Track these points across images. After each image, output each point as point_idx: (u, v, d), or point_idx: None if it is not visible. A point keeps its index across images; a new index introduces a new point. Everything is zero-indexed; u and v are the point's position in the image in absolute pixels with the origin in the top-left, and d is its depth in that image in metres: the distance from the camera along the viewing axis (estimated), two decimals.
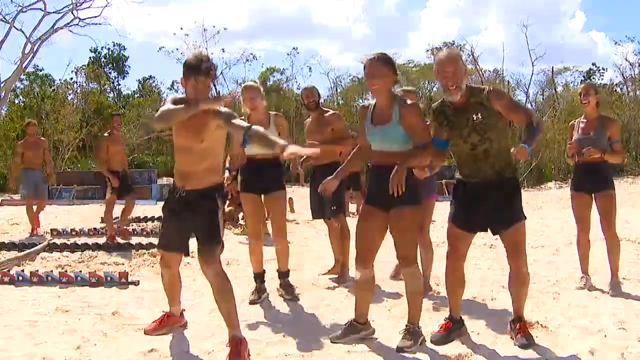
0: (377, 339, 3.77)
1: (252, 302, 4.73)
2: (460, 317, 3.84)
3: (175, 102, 3.48)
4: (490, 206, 3.52)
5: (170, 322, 3.97)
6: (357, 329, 3.78)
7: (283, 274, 5.05)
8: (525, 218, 3.58)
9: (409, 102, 3.57)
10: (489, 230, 3.65)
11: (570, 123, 5.29)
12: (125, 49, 34.49)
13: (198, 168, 3.52)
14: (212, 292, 3.55)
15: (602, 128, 4.88)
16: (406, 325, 3.66)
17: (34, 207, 9.23)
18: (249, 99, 4.81)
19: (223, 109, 3.42)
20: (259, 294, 4.84)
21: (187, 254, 3.82)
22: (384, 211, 3.60)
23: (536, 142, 3.28)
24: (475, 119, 3.43)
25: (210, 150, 3.53)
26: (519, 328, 3.62)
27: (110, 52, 33.86)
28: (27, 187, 9.33)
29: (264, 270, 4.97)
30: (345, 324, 3.84)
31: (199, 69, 3.36)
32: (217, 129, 3.46)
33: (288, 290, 4.96)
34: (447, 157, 3.95)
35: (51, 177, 10.04)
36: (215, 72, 3.47)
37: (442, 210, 5.31)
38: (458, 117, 3.50)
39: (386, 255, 4.20)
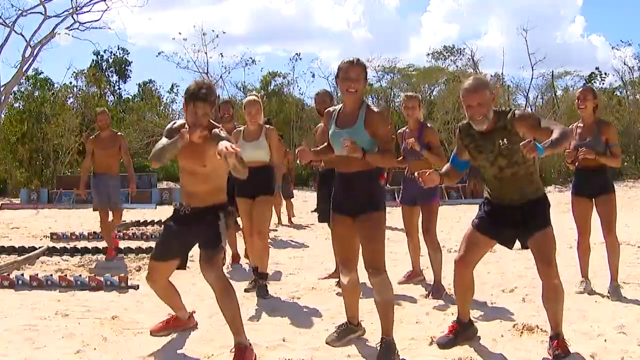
0: (377, 343, 3.77)
1: (246, 290, 5.17)
2: (470, 320, 3.85)
3: (171, 131, 3.57)
4: (518, 218, 3.48)
5: (176, 324, 4.00)
6: (352, 330, 3.86)
7: (262, 275, 5.17)
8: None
9: (376, 109, 3.52)
10: (514, 245, 3.63)
11: (569, 127, 5.24)
12: (128, 54, 34.56)
13: (202, 189, 3.60)
14: (215, 297, 3.55)
15: (598, 133, 4.85)
16: (382, 338, 3.54)
17: (109, 219, 7.15)
18: (250, 112, 5.22)
19: (222, 134, 3.43)
20: (254, 284, 5.24)
21: (184, 266, 3.83)
22: (351, 217, 3.57)
23: (554, 149, 3.09)
24: (501, 144, 3.39)
25: (213, 173, 3.60)
26: (557, 345, 3.47)
27: (114, 56, 33.87)
28: (98, 197, 7.02)
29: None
30: (340, 326, 3.87)
31: (196, 96, 3.42)
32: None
33: (261, 292, 5.08)
34: (460, 176, 3.92)
35: (131, 186, 7.42)
36: (213, 99, 3.51)
37: (444, 214, 5.32)
38: (485, 142, 3.48)
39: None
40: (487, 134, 3.45)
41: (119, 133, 7.30)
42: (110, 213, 7.17)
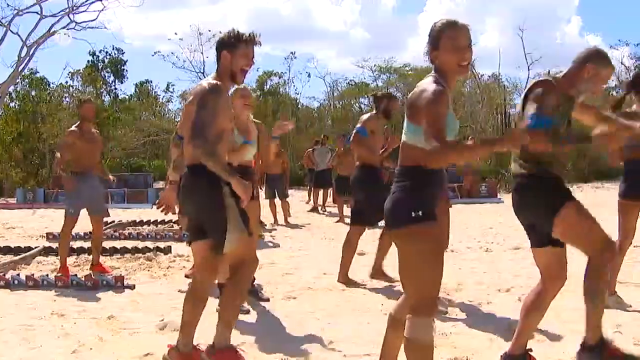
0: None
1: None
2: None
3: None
4: None
5: None
6: None
7: None
8: None
9: None
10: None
11: None
12: (123, 53, 34.47)
13: None
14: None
15: None
16: None
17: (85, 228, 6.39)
18: (241, 98, 4.61)
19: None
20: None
21: None
22: None
23: None
24: (570, 116, 3.31)
25: None
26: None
27: (110, 56, 33.80)
28: (79, 200, 5.91)
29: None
30: None
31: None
32: None
33: (255, 297, 4.88)
34: None
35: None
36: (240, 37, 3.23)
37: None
38: (568, 109, 3.25)
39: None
40: (572, 105, 3.27)
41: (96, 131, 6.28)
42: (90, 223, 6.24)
